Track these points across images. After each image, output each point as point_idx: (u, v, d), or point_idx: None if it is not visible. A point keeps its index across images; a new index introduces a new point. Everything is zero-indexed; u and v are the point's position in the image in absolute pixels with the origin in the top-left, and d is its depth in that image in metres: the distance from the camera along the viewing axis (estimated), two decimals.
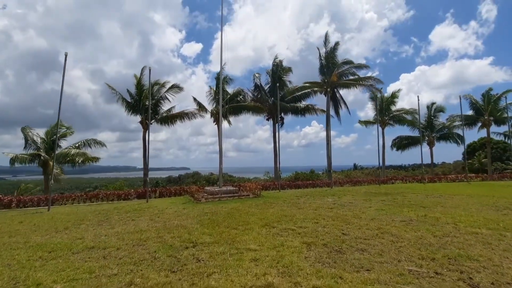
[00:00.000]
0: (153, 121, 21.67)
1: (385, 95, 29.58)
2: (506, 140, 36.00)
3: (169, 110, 22.34)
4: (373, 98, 29.35)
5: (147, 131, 20.82)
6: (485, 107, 27.96)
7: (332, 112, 26.89)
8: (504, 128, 30.27)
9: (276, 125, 25.33)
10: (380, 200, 10.68)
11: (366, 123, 32.12)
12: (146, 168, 21.05)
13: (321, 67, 26.69)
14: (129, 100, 21.14)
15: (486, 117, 27.61)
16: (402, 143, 31.33)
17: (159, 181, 73.47)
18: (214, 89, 23.46)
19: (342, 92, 27.19)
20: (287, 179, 49.07)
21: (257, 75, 24.68)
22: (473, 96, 29.64)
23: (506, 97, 26.48)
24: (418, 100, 19.88)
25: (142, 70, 20.31)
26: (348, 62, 27.17)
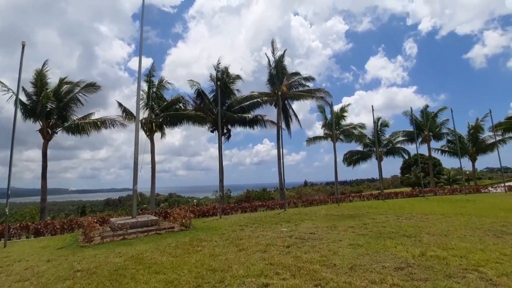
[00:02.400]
0: (59, 129, 16.70)
1: (335, 109, 28.94)
2: (437, 156, 38.12)
3: (85, 116, 17.65)
4: (322, 112, 28.50)
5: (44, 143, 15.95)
6: (425, 123, 29.05)
7: (283, 125, 25.01)
8: (441, 143, 32.09)
9: (222, 137, 22.34)
10: (348, 226, 8.13)
11: (316, 138, 30.93)
12: (44, 193, 15.79)
13: (270, 76, 24.84)
14: (26, 102, 16.00)
15: (426, 133, 28.58)
16: (352, 158, 30.86)
17: (87, 205, 63.19)
18: (147, 93, 19.54)
19: (293, 105, 25.70)
20: (238, 198, 45.77)
21: (195, 81, 21.48)
22: (414, 113, 30.72)
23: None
24: (373, 110, 18.89)
25: (45, 63, 15.63)
26: (297, 74, 25.94)
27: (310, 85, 25.53)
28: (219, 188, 22.70)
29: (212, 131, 22.18)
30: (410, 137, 30.33)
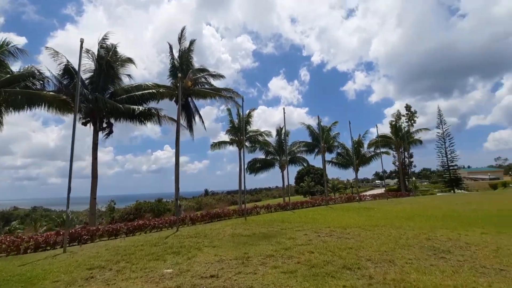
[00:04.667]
0: None
1: (241, 114, 27.48)
2: (327, 166, 42.10)
3: None
4: (229, 115, 26.61)
5: None
6: (321, 135, 31.00)
7: (184, 124, 21.48)
8: (331, 156, 35.12)
9: (100, 132, 16.92)
10: (266, 255, 5.62)
11: (221, 143, 28.62)
12: None
13: (172, 68, 21.13)
14: None
15: (322, 144, 30.44)
16: (255, 166, 29.90)
17: None
18: None
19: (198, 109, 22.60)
20: (125, 211, 38.19)
21: (60, 53, 15.53)
22: (311, 126, 32.54)
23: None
24: (284, 113, 17.88)
25: None
26: (204, 70, 23.10)
27: (218, 84, 23.19)
28: (90, 200, 16.96)
29: (84, 124, 16.47)
30: (309, 148, 31.88)
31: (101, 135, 17.09)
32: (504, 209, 12.29)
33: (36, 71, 14.72)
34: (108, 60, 16.63)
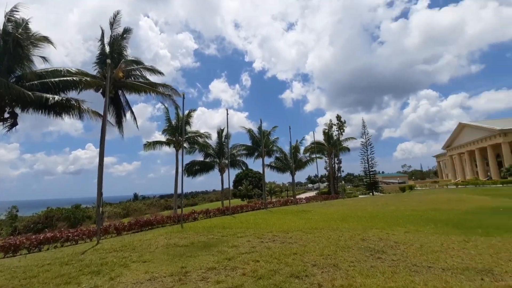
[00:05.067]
0: None
1: (180, 113, 26.00)
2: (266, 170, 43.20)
3: None
4: (167, 113, 24.92)
5: None
6: (261, 140, 31.50)
7: (112, 120, 19.13)
8: (270, 160, 35.96)
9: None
10: (207, 268, 5.01)
11: (156, 143, 26.56)
12: None
13: (101, 55, 18.59)
14: None
15: (263, 148, 30.90)
16: (193, 169, 28.57)
17: None
18: None
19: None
20: (31, 219, 32.28)
21: None
22: (252, 129, 32.86)
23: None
24: (227, 114, 17.35)
25: None
26: (139, 62, 20.99)
27: (155, 80, 21.34)
28: None
29: None
30: (249, 152, 32.02)
31: (1, 127, 13.88)
32: (416, 209, 14.14)
33: None
34: (17, 37, 13.61)
